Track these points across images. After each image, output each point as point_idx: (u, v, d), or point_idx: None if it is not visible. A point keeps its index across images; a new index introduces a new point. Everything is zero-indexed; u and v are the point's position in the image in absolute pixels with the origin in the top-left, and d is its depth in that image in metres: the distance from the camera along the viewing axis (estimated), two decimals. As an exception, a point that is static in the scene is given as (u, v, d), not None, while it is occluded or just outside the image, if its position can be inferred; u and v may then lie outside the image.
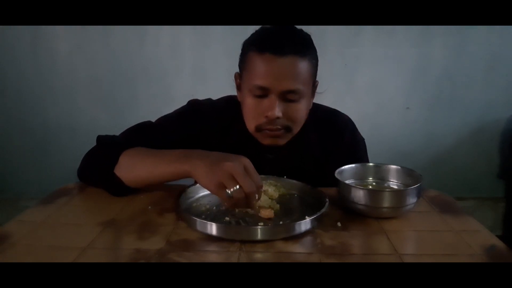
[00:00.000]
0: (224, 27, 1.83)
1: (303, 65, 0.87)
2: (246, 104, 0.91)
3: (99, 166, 0.86)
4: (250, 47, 0.90)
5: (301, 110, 0.91)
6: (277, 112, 0.87)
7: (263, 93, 0.87)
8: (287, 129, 0.91)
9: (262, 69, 0.86)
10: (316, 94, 0.99)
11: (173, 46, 1.90)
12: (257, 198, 0.71)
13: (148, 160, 0.83)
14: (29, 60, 1.90)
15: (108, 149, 0.87)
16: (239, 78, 0.96)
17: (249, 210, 0.76)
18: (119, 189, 0.85)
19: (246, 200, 0.70)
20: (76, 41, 1.89)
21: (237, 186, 0.68)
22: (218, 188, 0.70)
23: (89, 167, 0.89)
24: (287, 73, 0.86)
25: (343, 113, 1.08)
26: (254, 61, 0.87)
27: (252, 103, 0.90)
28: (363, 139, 1.06)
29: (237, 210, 0.77)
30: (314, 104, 1.02)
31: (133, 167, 0.83)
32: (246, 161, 0.72)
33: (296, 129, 0.93)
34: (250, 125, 0.93)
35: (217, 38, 1.87)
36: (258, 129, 0.92)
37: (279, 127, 0.90)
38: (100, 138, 0.91)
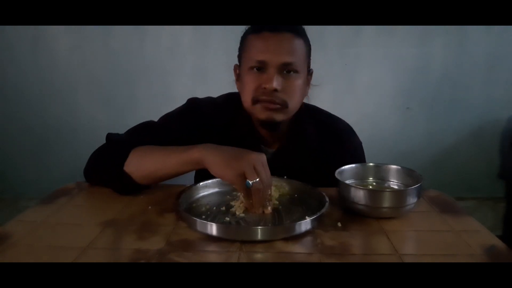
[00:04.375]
0: (224, 27, 1.83)
1: (298, 43, 0.92)
2: (245, 81, 0.93)
3: (108, 163, 0.86)
4: (248, 33, 0.95)
5: (298, 86, 0.93)
6: (276, 84, 0.88)
7: (261, 66, 0.90)
8: (284, 104, 0.92)
9: (260, 45, 0.91)
10: (312, 86, 1.01)
11: (173, 46, 1.90)
12: (270, 193, 0.77)
13: (158, 154, 0.85)
14: (29, 60, 1.90)
15: (118, 146, 0.89)
16: (238, 68, 0.99)
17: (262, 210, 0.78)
18: (128, 187, 0.85)
19: (262, 194, 0.74)
20: (76, 41, 1.89)
21: (257, 179, 0.73)
22: (239, 177, 0.74)
23: (97, 164, 0.90)
24: (284, 47, 0.90)
25: (341, 119, 1.09)
26: (253, 41, 0.92)
27: (250, 78, 0.92)
28: (361, 143, 1.07)
29: (241, 213, 0.78)
30: (314, 106, 1.06)
31: (143, 162, 0.85)
32: (264, 157, 0.77)
33: (292, 106, 0.94)
34: (247, 99, 0.94)
35: (217, 38, 1.87)
36: (255, 101, 0.92)
37: (276, 100, 0.91)
38: (109, 136, 0.92)
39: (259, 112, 0.93)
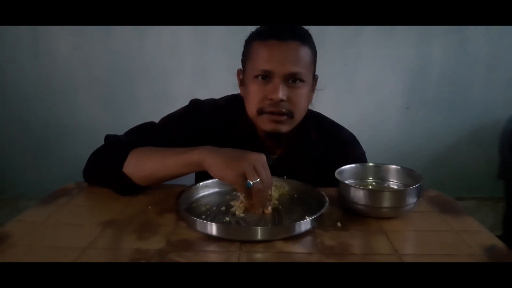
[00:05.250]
0: (224, 27, 1.83)
1: (304, 51, 0.90)
2: (250, 90, 0.92)
3: (107, 165, 0.86)
4: (253, 39, 0.93)
5: (304, 95, 0.92)
6: (281, 94, 0.88)
7: (266, 75, 0.89)
8: (290, 114, 0.91)
9: (266, 54, 0.89)
10: (316, 90, 1.00)
11: (173, 46, 1.90)
12: (270, 193, 0.77)
13: (157, 155, 0.85)
14: (29, 60, 1.90)
15: (116, 147, 0.88)
16: (242, 73, 0.98)
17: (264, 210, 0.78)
18: (127, 188, 0.85)
19: (263, 194, 0.74)
20: (76, 41, 1.89)
21: (258, 180, 0.73)
22: (239, 177, 0.73)
23: (96, 166, 0.90)
24: (290, 57, 0.89)
25: (346, 128, 1.08)
26: (258, 49, 0.90)
27: (256, 88, 0.91)
28: (364, 153, 1.07)
29: (241, 213, 0.78)
30: (318, 113, 1.06)
31: (142, 163, 0.84)
32: (264, 157, 0.76)
33: (298, 116, 0.94)
34: (253, 109, 0.93)
35: (217, 38, 1.87)
36: (260, 112, 0.92)
37: (283, 110, 0.90)
38: (108, 138, 0.92)
39: (264, 124, 0.92)
